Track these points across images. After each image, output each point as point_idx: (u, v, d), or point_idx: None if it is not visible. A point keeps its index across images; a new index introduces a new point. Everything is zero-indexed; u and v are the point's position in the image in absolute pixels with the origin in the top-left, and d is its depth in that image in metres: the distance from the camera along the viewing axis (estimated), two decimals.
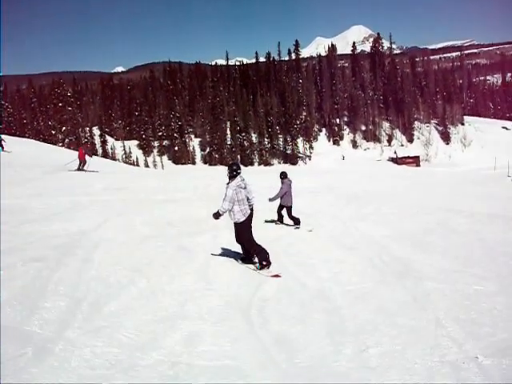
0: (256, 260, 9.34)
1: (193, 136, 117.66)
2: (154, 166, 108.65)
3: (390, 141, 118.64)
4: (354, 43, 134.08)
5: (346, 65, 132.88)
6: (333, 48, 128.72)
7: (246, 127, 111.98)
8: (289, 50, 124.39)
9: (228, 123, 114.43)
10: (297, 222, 14.63)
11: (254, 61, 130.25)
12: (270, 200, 14.94)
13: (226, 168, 9.25)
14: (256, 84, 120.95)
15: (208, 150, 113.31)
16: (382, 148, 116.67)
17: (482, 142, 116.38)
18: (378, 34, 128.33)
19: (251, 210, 9.35)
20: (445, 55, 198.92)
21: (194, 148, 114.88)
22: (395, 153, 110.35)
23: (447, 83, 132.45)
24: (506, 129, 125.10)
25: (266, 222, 15.29)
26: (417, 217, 17.71)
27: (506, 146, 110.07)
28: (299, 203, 17.23)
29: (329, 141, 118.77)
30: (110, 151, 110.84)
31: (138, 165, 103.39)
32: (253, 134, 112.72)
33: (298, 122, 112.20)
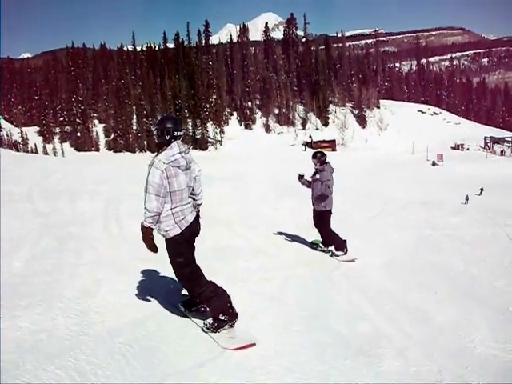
0: (205, 308, 5.60)
1: (97, 121, 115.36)
2: (54, 153, 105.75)
3: (304, 124, 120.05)
4: (266, 23, 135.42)
5: (258, 51, 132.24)
6: (244, 29, 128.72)
7: (153, 111, 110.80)
8: (198, 31, 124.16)
9: (134, 107, 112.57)
10: (340, 244, 10.00)
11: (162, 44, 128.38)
12: (307, 184, 10.50)
13: (153, 127, 4.77)
14: (164, 66, 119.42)
15: (113, 135, 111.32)
16: (296, 132, 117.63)
17: (398, 125, 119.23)
18: (292, 13, 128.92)
19: (196, 216, 5.37)
20: (354, 43, 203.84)
21: (97, 134, 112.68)
22: (310, 137, 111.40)
23: (362, 67, 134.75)
24: (422, 112, 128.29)
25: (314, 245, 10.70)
26: (390, 215, 15.50)
27: (421, 129, 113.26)
28: (213, 199, 12.57)
29: (240, 125, 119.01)
30: (5, 138, 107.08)
31: (36, 152, 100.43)
32: None
33: (208, 106, 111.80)
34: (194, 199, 5.33)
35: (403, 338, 5.78)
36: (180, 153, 4.95)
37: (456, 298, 7.44)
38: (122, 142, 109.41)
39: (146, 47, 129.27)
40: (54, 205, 12.82)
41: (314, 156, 10.12)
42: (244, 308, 5.77)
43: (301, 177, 10.48)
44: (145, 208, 4.86)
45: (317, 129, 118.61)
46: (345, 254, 9.86)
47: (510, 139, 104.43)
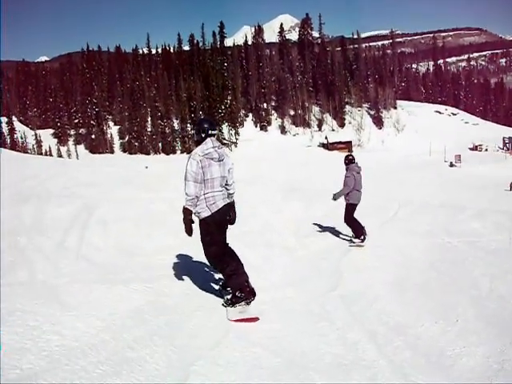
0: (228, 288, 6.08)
1: (111, 123, 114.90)
2: (69, 155, 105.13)
3: (320, 126, 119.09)
4: (281, 24, 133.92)
5: (274, 53, 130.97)
6: (259, 30, 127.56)
7: (168, 113, 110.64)
8: (213, 33, 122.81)
9: (149, 109, 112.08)
10: (357, 232, 10.74)
11: (176, 46, 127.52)
12: (335, 198, 11.14)
13: (192, 128, 5.00)
14: (179, 68, 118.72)
15: (127, 137, 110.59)
16: (311, 133, 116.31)
17: (415, 126, 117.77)
18: (307, 14, 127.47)
19: (228, 206, 5.91)
20: (370, 44, 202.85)
21: (112, 136, 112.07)
22: (326, 138, 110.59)
23: (378, 67, 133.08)
24: (439, 113, 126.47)
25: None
26: (404, 220, 14.09)
27: (439, 130, 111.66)
28: None
29: (256, 126, 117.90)
30: (19, 140, 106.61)
31: (51, 155, 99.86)
32: (175, 120, 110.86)
33: (223, 107, 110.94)
34: (227, 189, 5.93)
35: None
36: (213, 147, 5.68)
37: (482, 328, 5.70)
38: (136, 144, 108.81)
39: (161, 49, 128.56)
40: (17, 210, 11.05)
41: (344, 160, 11.49)
42: (193, 353, 4.34)
43: (334, 197, 11.26)
44: (185, 193, 5.51)
45: (333, 130, 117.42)
46: (362, 241, 10.58)
47: None
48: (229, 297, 5.85)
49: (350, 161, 11.21)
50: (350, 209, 11.00)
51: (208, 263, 6.10)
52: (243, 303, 5.67)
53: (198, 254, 7.60)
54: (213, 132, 5.78)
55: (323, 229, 12.32)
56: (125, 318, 5.12)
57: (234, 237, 6.76)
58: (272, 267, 8.24)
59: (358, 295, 6.90)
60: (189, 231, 5.61)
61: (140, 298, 5.84)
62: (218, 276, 7.01)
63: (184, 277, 6.89)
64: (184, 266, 7.47)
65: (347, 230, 11.38)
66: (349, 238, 11.05)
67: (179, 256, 8.08)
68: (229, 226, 6.02)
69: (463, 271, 8.45)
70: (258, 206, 15.50)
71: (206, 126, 5.72)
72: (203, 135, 5.69)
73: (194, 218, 5.64)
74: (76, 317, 4.98)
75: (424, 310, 6.36)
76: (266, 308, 6.03)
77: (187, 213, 5.56)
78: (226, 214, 5.87)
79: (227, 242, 5.99)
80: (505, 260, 9.39)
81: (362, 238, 10.61)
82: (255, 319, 5.59)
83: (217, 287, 6.53)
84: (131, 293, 5.97)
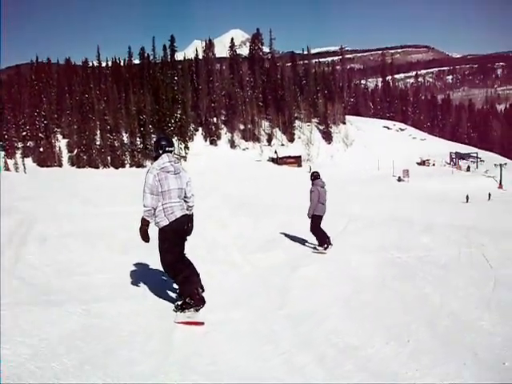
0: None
1: (60, 136, 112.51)
2: (16, 169, 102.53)
3: (269, 140, 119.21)
4: (232, 39, 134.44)
5: (224, 68, 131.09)
6: (210, 44, 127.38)
7: (117, 126, 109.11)
8: (164, 46, 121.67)
9: (98, 123, 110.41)
10: (321, 240, 12.03)
11: (127, 59, 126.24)
12: (308, 215, 12.36)
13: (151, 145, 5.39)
14: (129, 81, 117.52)
15: (76, 151, 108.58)
16: (261, 148, 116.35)
17: (364, 141, 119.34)
18: (258, 29, 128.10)
19: (187, 217, 6.38)
20: (320, 60, 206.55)
21: (60, 149, 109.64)
22: (276, 152, 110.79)
23: (328, 83, 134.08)
24: (388, 128, 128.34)
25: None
26: (354, 235, 14.48)
27: (387, 145, 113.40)
28: None
29: (205, 141, 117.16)
30: None
31: None
32: (124, 134, 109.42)
33: (173, 121, 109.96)
34: (186, 201, 6.44)
35: None
36: (169, 162, 6.21)
37: (436, 348, 5.52)
38: (85, 157, 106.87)
39: (112, 62, 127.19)
40: None
41: (310, 176, 13.07)
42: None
43: (308, 215, 12.42)
44: (143, 204, 6.04)
45: (282, 145, 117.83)
46: (325, 249, 11.73)
47: (475, 155, 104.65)
48: (179, 302, 6.23)
49: (315, 177, 12.65)
50: (316, 219, 12.25)
51: (163, 271, 6.50)
52: (192, 310, 6.00)
53: (142, 273, 7.30)
54: (169, 149, 6.42)
55: (271, 245, 12.25)
56: (56, 345, 4.74)
57: None
58: (219, 285, 7.99)
59: (307, 314, 6.72)
60: (144, 237, 6.17)
61: (75, 321, 5.49)
62: (163, 296, 7.00)
63: (124, 297, 6.61)
64: (126, 286, 7.21)
65: (296, 246, 12.58)
66: (313, 246, 12.26)
67: (122, 275, 7.79)
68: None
69: (414, 287, 8.41)
70: (206, 220, 15.13)
71: (163, 143, 6.41)
72: (161, 151, 6.30)
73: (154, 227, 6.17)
74: (2, 343, 4.57)
75: (375, 328, 6.18)
76: (212, 329, 5.95)
77: (144, 222, 6.12)
78: (184, 224, 6.32)
79: (184, 252, 6.45)
80: (455, 275, 9.45)
81: (326, 246, 11.78)
82: (201, 323, 5.96)
83: (172, 304, 6.55)
84: (65, 316, 5.61)
